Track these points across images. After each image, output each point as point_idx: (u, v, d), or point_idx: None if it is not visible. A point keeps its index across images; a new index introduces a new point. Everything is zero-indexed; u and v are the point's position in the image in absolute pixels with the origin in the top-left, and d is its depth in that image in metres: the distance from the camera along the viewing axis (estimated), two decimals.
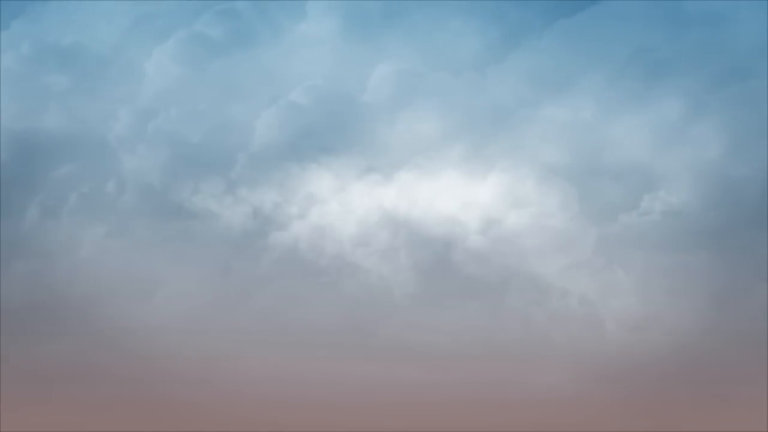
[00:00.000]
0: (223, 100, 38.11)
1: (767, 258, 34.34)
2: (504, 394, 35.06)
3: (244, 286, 36.32)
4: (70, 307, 36.56)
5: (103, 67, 38.48)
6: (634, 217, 35.73)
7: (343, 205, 36.59)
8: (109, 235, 37.17)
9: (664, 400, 34.65)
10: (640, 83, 36.39)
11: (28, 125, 38.07)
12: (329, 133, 37.43)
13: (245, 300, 36.21)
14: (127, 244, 36.98)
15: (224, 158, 37.56)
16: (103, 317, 36.38)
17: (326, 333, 35.43)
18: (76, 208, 37.66)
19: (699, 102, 36.50)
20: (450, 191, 36.60)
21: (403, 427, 34.59)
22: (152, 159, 37.90)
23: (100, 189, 37.71)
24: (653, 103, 36.67)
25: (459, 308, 35.57)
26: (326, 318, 35.62)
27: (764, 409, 33.67)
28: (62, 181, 37.99)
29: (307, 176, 37.08)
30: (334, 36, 38.16)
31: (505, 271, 36.20)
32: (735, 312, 34.51)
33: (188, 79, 38.10)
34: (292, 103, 37.89)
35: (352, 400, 34.69)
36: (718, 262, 35.02)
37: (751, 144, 35.88)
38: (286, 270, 36.30)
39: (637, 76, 36.58)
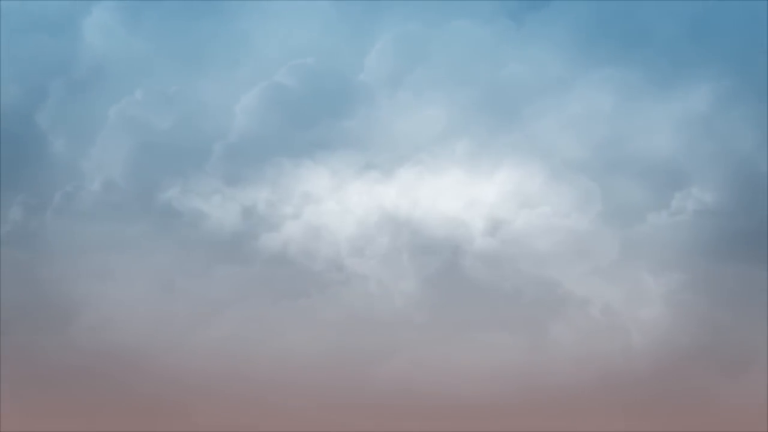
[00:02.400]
0: (192, 77, 33.22)
1: None
2: (519, 417, 31.61)
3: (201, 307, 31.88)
4: None
5: (26, 26, 32.73)
6: (663, 217, 32.52)
7: (340, 205, 32.36)
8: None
9: (694, 418, 31.60)
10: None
11: None
12: (321, 121, 33.01)
13: (196, 328, 31.70)
14: (45, 252, 31.99)
15: (198, 149, 32.93)
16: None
17: (307, 374, 31.07)
18: None
19: (729, 90, 32.98)
20: (455, 189, 32.84)
21: None
22: (114, 149, 32.96)
23: (25, 186, 32.46)
24: (681, 91, 33.02)
25: (469, 324, 31.88)
26: (309, 351, 31.27)
27: None
28: None
29: (299, 172, 32.94)
30: None
31: (518, 277, 32.65)
32: None
33: (133, 43, 32.84)
34: (277, 85, 33.24)
35: None
36: (758, 268, 32.00)
37: None
38: (270, 280, 32.05)
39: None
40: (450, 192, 32.88)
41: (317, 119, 33.00)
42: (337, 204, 32.44)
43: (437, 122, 32.80)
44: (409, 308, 31.68)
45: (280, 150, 32.75)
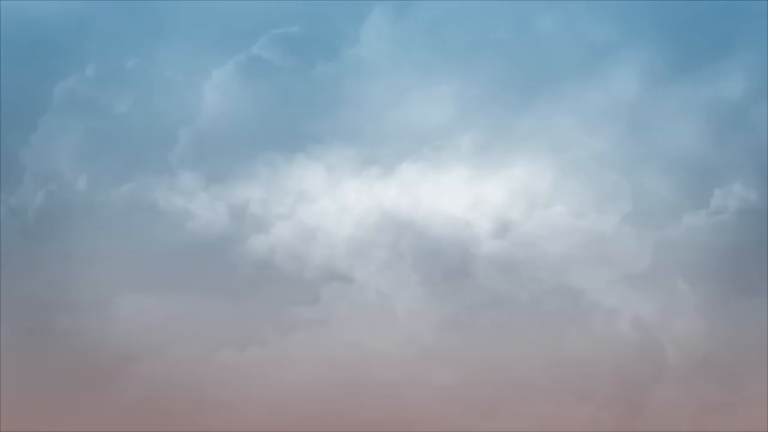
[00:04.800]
0: (153, 49, 27.82)
1: None
2: None
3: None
4: None
5: None
6: (701, 217, 29.31)
7: (336, 204, 28.20)
8: None
9: None
10: None
11: None
12: (307, 103, 28.46)
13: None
14: None
15: (160, 136, 27.98)
16: None
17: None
18: None
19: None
20: (462, 186, 29.02)
21: None
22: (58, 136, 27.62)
23: None
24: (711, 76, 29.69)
25: (481, 343, 27.88)
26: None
27: None
28: None
29: (279, 163, 28.41)
30: None
31: (535, 285, 29.00)
32: None
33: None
34: (256, 59, 28.33)
35: None
36: None
37: None
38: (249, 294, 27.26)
39: None
40: (456, 190, 28.89)
41: (303, 101, 28.47)
42: (332, 203, 27.83)
43: (443, 110, 28.47)
44: (417, 333, 27.28)
45: (258, 137, 28.45)
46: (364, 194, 28.34)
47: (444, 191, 28.90)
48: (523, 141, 29.25)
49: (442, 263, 28.95)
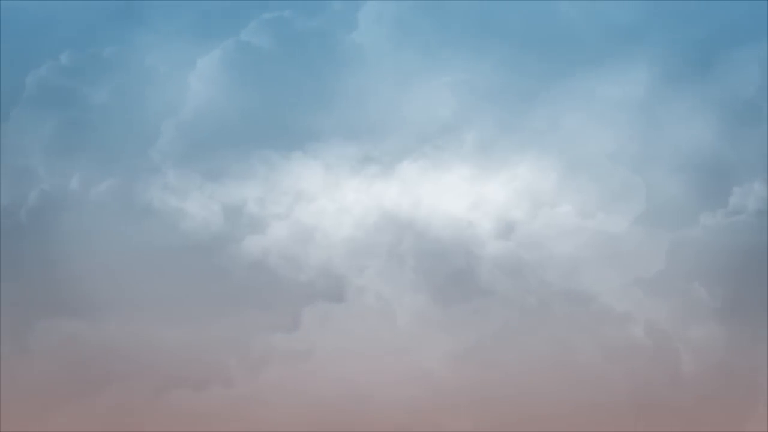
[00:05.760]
0: (132, 35, 25.81)
1: None
2: None
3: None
4: None
5: None
6: (719, 217, 28.21)
7: (335, 203, 26.72)
8: None
9: None
10: None
11: None
12: (300, 94, 26.76)
13: None
14: None
15: (141, 130, 26.10)
16: None
17: None
18: None
19: None
20: (464, 186, 27.65)
21: None
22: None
23: None
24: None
25: (492, 362, 26.55)
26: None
27: None
28: None
29: (274, 160, 26.70)
30: None
31: (543, 288, 27.82)
32: None
33: None
34: (244, 46, 26.78)
35: None
36: None
37: None
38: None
39: None
40: (459, 189, 27.66)
41: (297, 92, 26.83)
42: (330, 203, 26.22)
43: (446, 105, 27.25)
44: (420, 352, 25.68)
45: (248, 133, 26.81)
46: (364, 193, 26.99)
47: (446, 190, 27.65)
48: (528, 137, 28.10)
49: (445, 265, 27.65)
